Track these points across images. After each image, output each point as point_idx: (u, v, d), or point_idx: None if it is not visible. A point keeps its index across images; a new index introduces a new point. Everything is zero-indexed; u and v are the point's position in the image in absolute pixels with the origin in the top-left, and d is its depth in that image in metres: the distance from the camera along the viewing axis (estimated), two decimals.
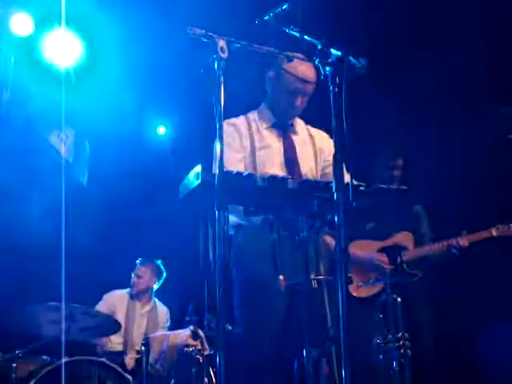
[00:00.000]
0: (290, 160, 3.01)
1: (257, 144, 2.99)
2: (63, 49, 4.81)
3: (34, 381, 3.69)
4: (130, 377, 3.97)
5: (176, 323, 5.00)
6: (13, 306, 4.15)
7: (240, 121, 3.09)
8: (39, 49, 4.87)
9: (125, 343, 4.94)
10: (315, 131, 3.18)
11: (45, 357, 4.08)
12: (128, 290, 5.24)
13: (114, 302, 5.13)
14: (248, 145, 2.99)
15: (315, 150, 3.11)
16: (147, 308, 5.24)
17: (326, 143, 3.11)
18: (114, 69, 4.96)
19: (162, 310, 5.29)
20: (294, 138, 3.10)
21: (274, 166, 2.95)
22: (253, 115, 3.13)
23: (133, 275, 5.23)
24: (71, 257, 5.05)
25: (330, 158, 3.00)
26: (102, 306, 5.07)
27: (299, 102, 3.02)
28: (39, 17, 4.60)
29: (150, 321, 5.17)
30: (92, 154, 5.11)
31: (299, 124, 3.17)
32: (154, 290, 5.33)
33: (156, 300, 5.32)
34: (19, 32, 4.81)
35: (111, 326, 4.30)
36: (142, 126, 6.01)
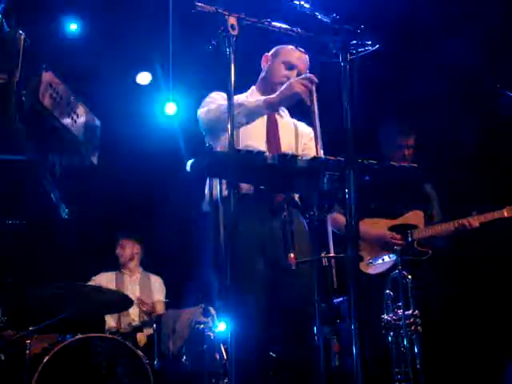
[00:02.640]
0: (272, 135, 3.03)
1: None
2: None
3: (47, 357, 3.75)
4: (141, 353, 4.01)
5: (186, 301, 5.04)
6: (27, 284, 4.21)
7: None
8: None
9: (119, 318, 4.94)
10: (300, 123, 3.23)
11: (58, 334, 4.13)
12: (115, 271, 5.28)
13: (102, 280, 5.13)
14: None
15: (296, 133, 3.15)
16: (137, 275, 5.28)
17: (307, 131, 3.15)
18: (123, 44, 4.97)
19: (155, 278, 5.31)
20: (277, 117, 3.13)
21: (255, 137, 2.95)
22: (242, 95, 3.14)
23: (116, 248, 5.30)
24: (78, 237, 5.08)
25: (310, 143, 3.09)
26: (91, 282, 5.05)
27: (294, 73, 3.03)
28: None
29: (142, 287, 5.18)
30: (102, 133, 5.11)
31: (284, 111, 3.20)
32: (141, 258, 5.36)
33: (146, 271, 5.36)
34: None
35: (123, 302, 4.34)
36: (152, 105, 6.00)
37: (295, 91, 2.74)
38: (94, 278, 5.14)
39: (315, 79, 2.75)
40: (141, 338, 4.82)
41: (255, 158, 2.23)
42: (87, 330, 4.12)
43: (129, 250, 5.31)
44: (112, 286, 5.06)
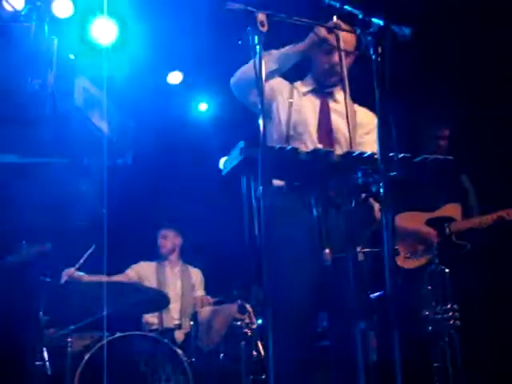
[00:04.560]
0: (324, 123, 2.96)
1: (294, 106, 2.98)
2: (103, 29, 4.88)
3: (88, 355, 3.81)
4: (180, 351, 4.04)
5: (223, 297, 5.05)
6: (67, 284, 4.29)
7: (285, 82, 3.10)
8: (82, 30, 4.94)
9: (159, 316, 4.95)
10: (360, 108, 3.12)
11: (98, 332, 4.20)
12: (155, 261, 5.29)
13: (142, 269, 5.15)
14: (287, 103, 3.00)
15: (354, 122, 3.04)
16: (178, 268, 5.27)
17: (368, 119, 3.01)
18: (155, 45, 5.00)
19: (195, 271, 5.31)
20: (331, 105, 3.05)
21: (306, 127, 2.92)
22: (296, 83, 3.12)
23: (158, 238, 5.30)
24: (114, 233, 5.12)
25: (367, 137, 2.98)
26: (128, 274, 5.09)
27: (336, 57, 2.96)
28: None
29: (184, 281, 5.18)
30: (136, 131, 5.19)
31: (340, 95, 3.11)
32: (181, 250, 5.36)
33: (186, 264, 5.35)
34: (60, 15, 4.88)
35: (161, 300, 4.38)
36: (184, 102, 6.05)
37: (321, 36, 2.75)
38: (133, 266, 5.15)
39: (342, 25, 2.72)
40: (179, 335, 4.86)
41: (288, 154, 2.23)
42: (127, 328, 4.18)
43: (170, 240, 5.29)
44: (152, 277, 5.09)
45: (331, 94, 3.08)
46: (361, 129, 3.00)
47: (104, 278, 4.24)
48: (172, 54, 5.42)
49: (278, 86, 3.03)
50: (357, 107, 3.08)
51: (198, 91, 6.09)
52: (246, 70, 2.81)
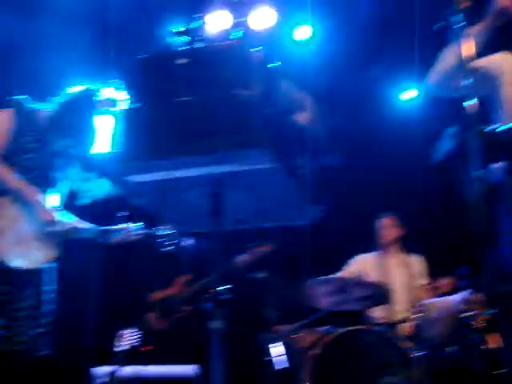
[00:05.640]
0: None
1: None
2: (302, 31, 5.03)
3: (316, 350, 3.92)
4: (408, 344, 3.98)
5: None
6: (290, 282, 4.47)
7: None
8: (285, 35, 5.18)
9: (385, 309, 4.89)
10: None
11: (325, 327, 4.30)
12: (374, 253, 5.23)
13: (362, 263, 5.12)
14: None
15: None
16: (399, 259, 5.15)
17: None
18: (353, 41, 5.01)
19: (417, 260, 5.13)
20: None
21: None
22: None
23: (376, 229, 5.24)
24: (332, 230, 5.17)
25: None
26: (348, 270, 5.09)
27: None
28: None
29: (406, 272, 5.04)
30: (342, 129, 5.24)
31: None
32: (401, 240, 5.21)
33: (407, 253, 5.20)
34: (262, 25, 5.14)
35: (384, 295, 4.35)
36: (384, 93, 5.98)
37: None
38: (352, 261, 5.18)
39: None
40: (405, 328, 4.77)
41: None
42: (351, 322, 4.22)
43: (389, 232, 5.23)
44: (374, 270, 5.06)
45: None
46: None
47: None
48: (369, 48, 5.40)
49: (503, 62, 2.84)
50: None
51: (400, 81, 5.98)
52: (442, 65, 2.67)
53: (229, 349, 2.02)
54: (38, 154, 3.03)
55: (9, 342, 2.79)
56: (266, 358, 3.96)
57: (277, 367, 3.96)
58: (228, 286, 2.03)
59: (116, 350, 3.85)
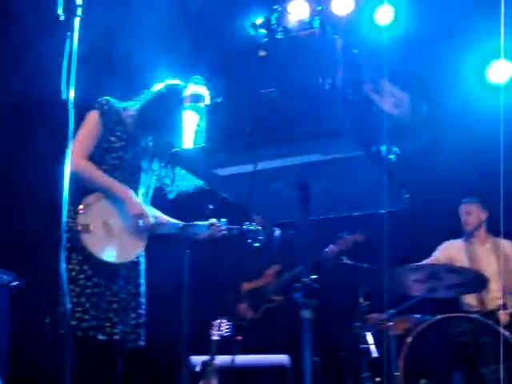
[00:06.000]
0: None
1: None
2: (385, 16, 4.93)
3: (411, 338, 3.87)
4: (507, 333, 3.84)
5: None
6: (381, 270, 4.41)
7: None
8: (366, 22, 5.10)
9: (479, 297, 4.75)
10: None
11: (417, 315, 4.23)
12: (460, 239, 5.07)
13: (450, 250, 4.99)
14: None
15: None
16: (488, 245, 4.98)
17: None
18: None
19: (506, 243, 4.92)
20: None
21: None
22: None
23: (461, 215, 5.08)
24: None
25: None
26: (436, 257, 4.99)
27: None
28: None
29: (497, 257, 4.85)
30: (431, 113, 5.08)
31: None
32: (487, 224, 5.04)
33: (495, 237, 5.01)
34: (341, 13, 5.09)
35: (478, 281, 4.21)
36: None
37: None
38: (439, 247, 5.07)
39: None
40: (503, 315, 4.61)
41: None
42: (445, 310, 4.13)
43: (475, 216, 5.07)
44: (463, 257, 4.93)
45: None
46: None
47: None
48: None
49: None
50: None
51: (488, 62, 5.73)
52: None
53: (320, 338, 2.02)
54: (125, 152, 3.11)
55: (103, 332, 2.88)
56: (361, 346, 3.94)
57: (375, 355, 3.94)
58: (318, 276, 2.03)
59: (210, 339, 3.93)
